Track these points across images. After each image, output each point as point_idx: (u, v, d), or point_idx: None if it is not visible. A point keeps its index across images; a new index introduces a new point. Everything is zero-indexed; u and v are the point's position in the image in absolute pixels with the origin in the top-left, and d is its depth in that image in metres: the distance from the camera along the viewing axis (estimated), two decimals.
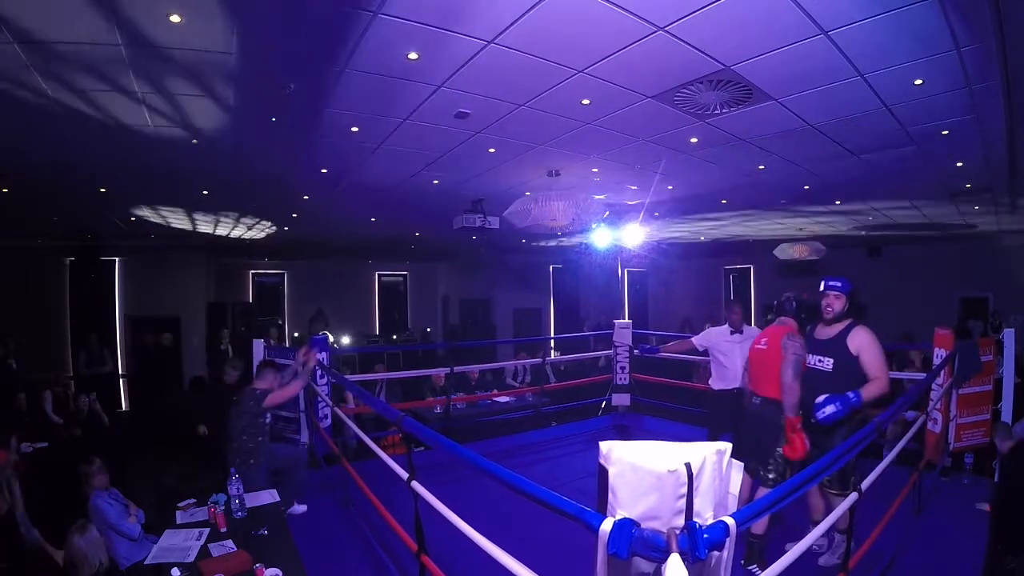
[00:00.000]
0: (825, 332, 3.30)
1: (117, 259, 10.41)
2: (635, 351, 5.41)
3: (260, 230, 9.18)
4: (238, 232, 9.30)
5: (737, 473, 1.52)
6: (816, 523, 2.97)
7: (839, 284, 3.25)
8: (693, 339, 5.01)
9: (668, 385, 6.95)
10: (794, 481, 1.73)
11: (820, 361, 3.22)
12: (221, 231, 9.13)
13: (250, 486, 3.56)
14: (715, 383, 4.76)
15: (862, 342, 3.10)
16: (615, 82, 3.54)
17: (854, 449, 2.18)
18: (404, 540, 2.86)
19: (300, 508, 4.13)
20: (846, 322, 3.22)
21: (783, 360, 3.08)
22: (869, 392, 2.98)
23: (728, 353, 4.64)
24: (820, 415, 2.98)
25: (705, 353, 5.09)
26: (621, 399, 6.89)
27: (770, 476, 3.17)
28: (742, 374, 4.18)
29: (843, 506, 2.34)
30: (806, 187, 6.40)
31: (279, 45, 2.98)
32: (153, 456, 6.08)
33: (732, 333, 4.72)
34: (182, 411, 6.83)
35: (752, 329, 4.75)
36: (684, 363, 8.08)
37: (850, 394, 2.95)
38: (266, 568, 2.72)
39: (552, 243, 11.25)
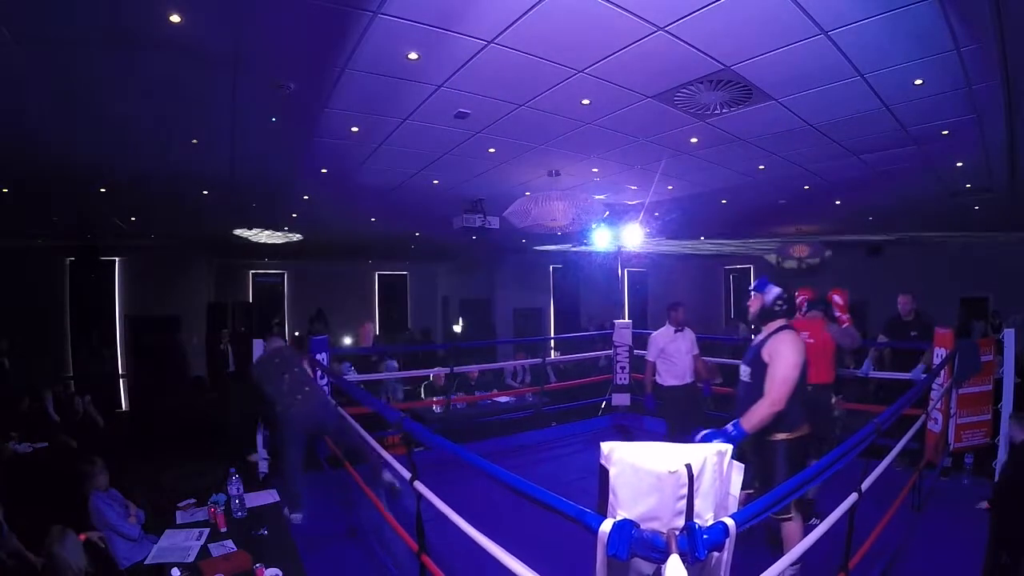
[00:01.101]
0: (756, 338, 2.99)
1: (117, 259, 10.40)
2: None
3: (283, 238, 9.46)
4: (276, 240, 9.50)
5: (737, 474, 1.52)
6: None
7: (756, 284, 2.99)
8: (647, 357, 5.01)
9: None
10: (791, 483, 1.73)
11: (744, 370, 2.95)
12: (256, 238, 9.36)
13: None
14: (665, 379, 4.82)
15: (774, 350, 2.74)
16: (615, 82, 3.54)
17: (848, 454, 2.16)
18: (405, 540, 2.86)
19: (297, 517, 4.08)
20: (775, 326, 2.88)
21: (837, 343, 3.82)
22: (750, 420, 2.59)
23: (675, 354, 4.78)
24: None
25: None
26: (621, 399, 6.89)
27: (824, 448, 3.20)
28: (688, 368, 4.79)
29: (843, 506, 2.33)
30: (806, 187, 6.40)
31: (279, 45, 2.98)
32: (153, 456, 6.08)
33: (676, 332, 4.82)
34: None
35: (690, 331, 4.92)
36: None
37: (728, 427, 2.57)
38: (266, 568, 2.73)
39: (552, 247, 11.24)
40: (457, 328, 14.57)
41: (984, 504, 3.61)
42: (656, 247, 10.38)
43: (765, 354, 2.78)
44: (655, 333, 5.02)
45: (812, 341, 3.73)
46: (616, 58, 3.18)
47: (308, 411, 3.96)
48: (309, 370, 4.46)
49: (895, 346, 5.15)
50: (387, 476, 3.89)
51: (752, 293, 2.97)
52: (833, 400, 3.74)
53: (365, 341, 5.69)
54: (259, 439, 4.80)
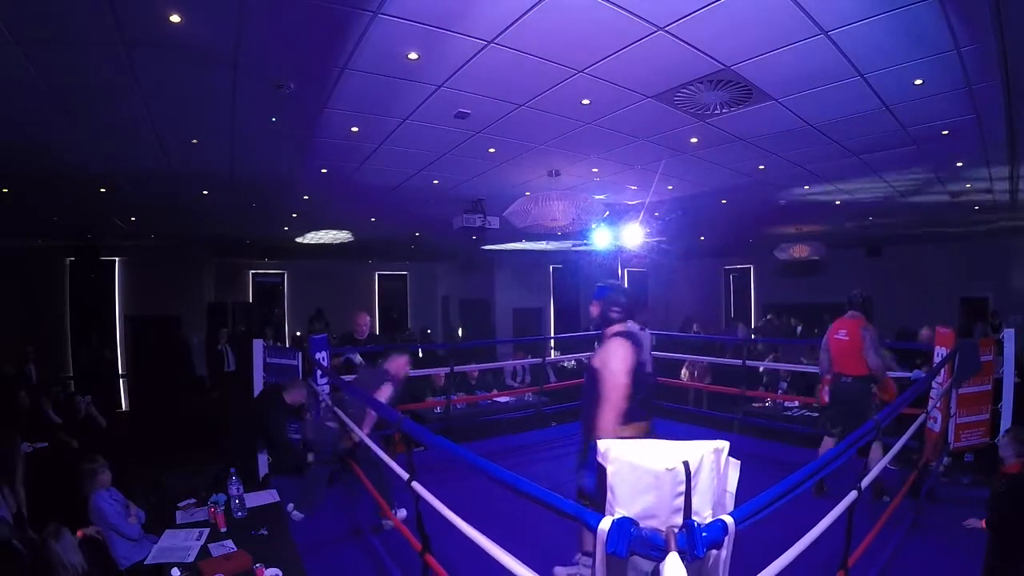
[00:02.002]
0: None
1: (117, 259, 10.41)
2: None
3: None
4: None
5: (735, 471, 1.52)
6: (586, 553, 2.74)
7: (596, 291, 3.09)
8: None
9: (667, 385, 6.96)
10: (794, 479, 1.73)
11: (586, 375, 3.02)
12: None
13: None
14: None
15: (605, 355, 2.81)
16: (615, 82, 3.54)
17: (849, 451, 2.17)
18: (408, 539, 2.86)
19: (297, 515, 4.08)
20: (612, 331, 2.95)
21: (864, 347, 3.93)
22: (604, 432, 2.63)
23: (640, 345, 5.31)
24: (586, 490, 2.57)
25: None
26: None
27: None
28: (649, 359, 5.19)
29: (843, 504, 2.33)
30: (806, 187, 6.41)
31: (279, 45, 2.98)
32: (154, 456, 6.08)
33: (641, 329, 5.24)
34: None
35: (648, 331, 5.41)
36: (676, 363, 8.13)
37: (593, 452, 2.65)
38: (266, 568, 2.73)
39: (549, 246, 11.23)
40: (460, 333, 14.56)
41: (979, 522, 3.44)
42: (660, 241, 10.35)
43: (596, 361, 2.87)
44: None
45: (847, 339, 4.10)
46: (616, 58, 3.18)
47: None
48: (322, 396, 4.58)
49: (901, 347, 5.19)
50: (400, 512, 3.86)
51: (593, 301, 3.08)
52: (873, 389, 4.07)
53: (361, 333, 5.71)
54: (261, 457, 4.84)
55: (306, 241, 9.93)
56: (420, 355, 10.47)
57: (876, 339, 4.01)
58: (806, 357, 7.61)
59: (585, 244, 7.78)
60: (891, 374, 5.12)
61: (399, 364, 4.10)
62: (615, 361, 2.75)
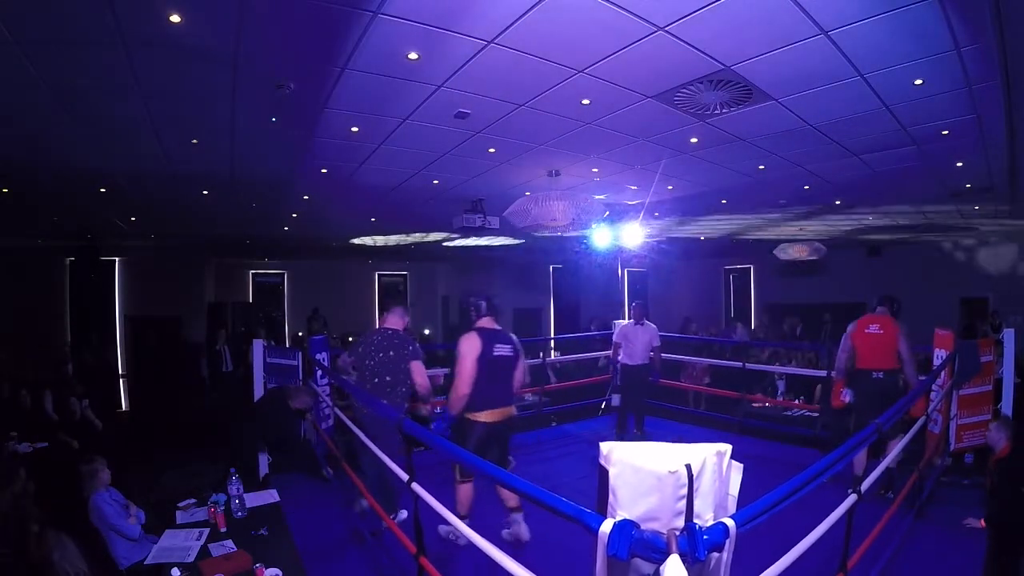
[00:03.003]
0: None
1: (117, 259, 10.41)
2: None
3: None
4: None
5: (737, 474, 1.52)
6: (462, 517, 3.14)
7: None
8: (614, 338, 6.29)
9: (667, 386, 6.96)
10: (795, 482, 1.73)
11: None
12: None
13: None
14: (625, 360, 6.05)
15: (457, 349, 3.38)
16: (615, 82, 3.54)
17: (854, 451, 2.17)
18: (403, 542, 2.86)
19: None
20: (474, 327, 3.49)
21: (898, 339, 4.06)
22: (449, 404, 3.34)
23: (633, 340, 6.00)
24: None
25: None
26: (620, 399, 6.88)
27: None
28: (642, 353, 5.94)
29: (843, 507, 2.32)
30: (806, 187, 6.40)
31: (279, 45, 2.98)
32: (153, 456, 6.08)
33: (635, 325, 6.07)
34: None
35: (651, 326, 6.08)
36: (674, 363, 8.14)
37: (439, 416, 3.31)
38: (266, 568, 2.72)
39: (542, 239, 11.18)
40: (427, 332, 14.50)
41: (978, 522, 3.40)
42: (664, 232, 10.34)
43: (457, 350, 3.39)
44: (621, 324, 6.34)
45: (882, 332, 4.17)
46: (616, 58, 3.17)
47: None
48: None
49: None
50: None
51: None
52: (901, 384, 4.12)
53: None
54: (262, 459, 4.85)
55: (378, 243, 10.08)
56: None
57: (907, 335, 4.12)
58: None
59: (585, 244, 7.75)
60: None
61: (397, 318, 4.13)
62: (461, 348, 3.35)
